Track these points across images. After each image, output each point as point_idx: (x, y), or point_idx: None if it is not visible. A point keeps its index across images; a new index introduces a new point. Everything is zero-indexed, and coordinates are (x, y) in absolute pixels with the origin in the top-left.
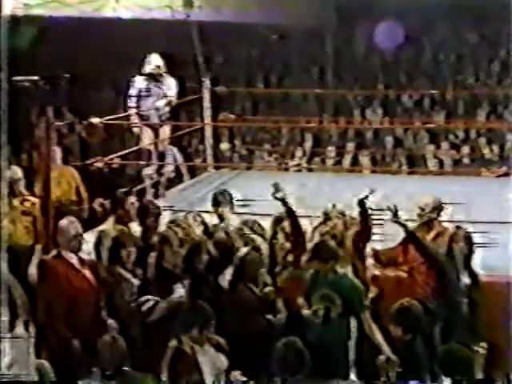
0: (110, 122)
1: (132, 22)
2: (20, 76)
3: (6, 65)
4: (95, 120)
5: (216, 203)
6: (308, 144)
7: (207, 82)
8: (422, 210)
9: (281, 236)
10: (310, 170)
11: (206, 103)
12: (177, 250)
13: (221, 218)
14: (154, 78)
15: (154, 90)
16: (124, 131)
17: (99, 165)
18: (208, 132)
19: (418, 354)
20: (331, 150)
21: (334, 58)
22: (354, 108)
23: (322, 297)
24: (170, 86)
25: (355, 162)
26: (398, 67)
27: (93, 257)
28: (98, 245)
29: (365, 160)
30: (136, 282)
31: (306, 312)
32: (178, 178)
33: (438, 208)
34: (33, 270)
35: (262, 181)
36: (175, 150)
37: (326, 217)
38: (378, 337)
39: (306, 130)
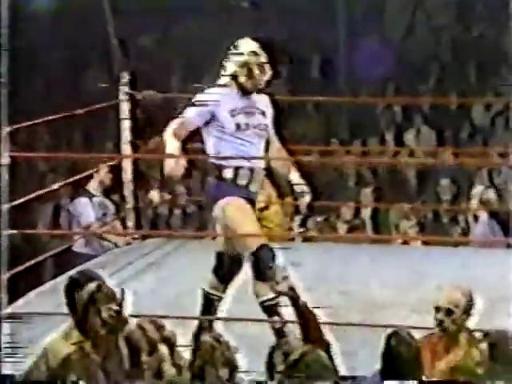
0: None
1: None
2: None
3: None
4: None
5: None
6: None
7: (125, 83)
8: (437, 310)
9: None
10: (306, 239)
11: (124, 120)
12: None
13: None
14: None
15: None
16: None
17: None
18: (127, 171)
19: None
20: (348, 206)
21: (346, 41)
22: (384, 128)
23: None
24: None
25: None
26: (464, 52)
27: None
28: None
29: (406, 223)
30: None
31: None
32: None
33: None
34: None
35: None
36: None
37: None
38: None
39: (302, 167)
